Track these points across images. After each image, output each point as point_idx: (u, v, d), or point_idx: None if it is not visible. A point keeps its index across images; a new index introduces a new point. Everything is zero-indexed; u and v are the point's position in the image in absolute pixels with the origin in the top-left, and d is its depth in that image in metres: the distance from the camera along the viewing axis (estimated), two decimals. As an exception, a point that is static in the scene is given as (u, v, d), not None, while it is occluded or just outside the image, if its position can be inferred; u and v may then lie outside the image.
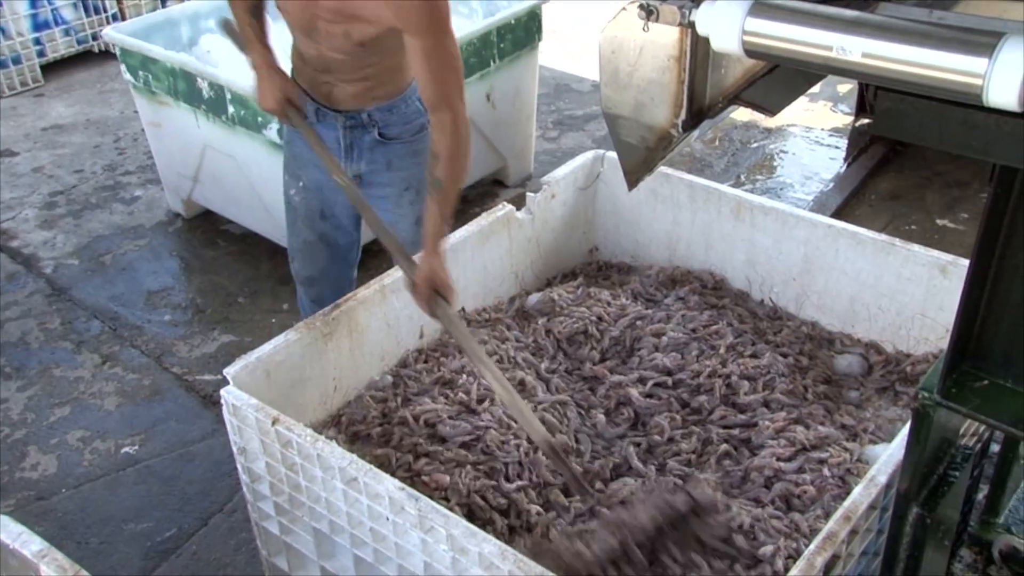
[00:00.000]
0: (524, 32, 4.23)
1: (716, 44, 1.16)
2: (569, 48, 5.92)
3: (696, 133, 1.32)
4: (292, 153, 2.86)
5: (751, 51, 1.14)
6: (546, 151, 5.00)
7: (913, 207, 4.56)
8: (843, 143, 5.13)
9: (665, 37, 1.20)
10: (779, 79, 1.28)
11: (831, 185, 4.76)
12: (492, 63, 4.14)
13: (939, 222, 4.43)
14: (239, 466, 2.30)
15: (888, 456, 1.94)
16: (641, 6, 1.18)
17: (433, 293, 2.33)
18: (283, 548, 2.32)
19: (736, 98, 1.27)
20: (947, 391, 1.48)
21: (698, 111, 1.24)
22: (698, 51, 1.20)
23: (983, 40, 0.99)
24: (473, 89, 4.12)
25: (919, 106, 1.20)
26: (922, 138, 1.21)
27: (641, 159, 1.32)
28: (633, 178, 1.38)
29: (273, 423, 2.10)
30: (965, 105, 1.15)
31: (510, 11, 4.15)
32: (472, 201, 4.51)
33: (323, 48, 2.54)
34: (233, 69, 3.75)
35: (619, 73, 1.23)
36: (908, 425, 2.00)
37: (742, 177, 4.91)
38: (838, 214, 4.38)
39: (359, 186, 2.72)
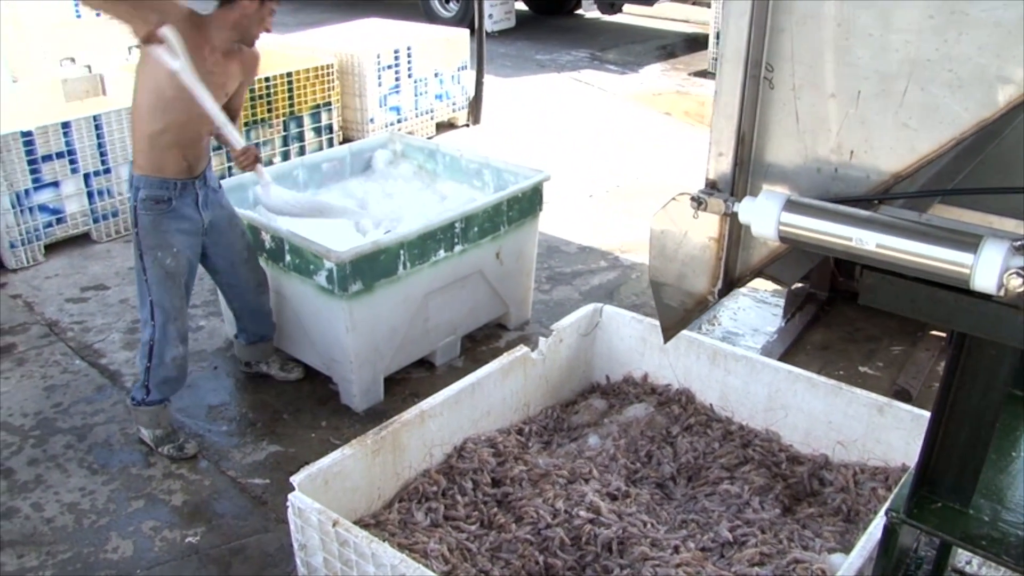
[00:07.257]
0: (528, 203, 4.38)
1: (756, 231, 1.25)
2: (560, 216, 6.09)
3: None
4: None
5: (784, 238, 1.23)
6: (540, 301, 5.09)
7: (840, 356, 4.66)
8: (782, 302, 5.27)
9: (707, 223, 1.29)
10: (791, 257, 1.37)
11: (775, 336, 4.87)
12: (502, 228, 4.27)
13: (861, 369, 4.52)
14: (298, 559, 2.28)
15: (848, 564, 1.96)
16: (693, 198, 1.28)
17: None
18: (332, 634, 2.28)
19: (759, 272, 1.36)
20: (911, 511, 1.53)
21: (730, 282, 1.33)
22: (732, 234, 1.29)
23: (968, 239, 1.09)
24: (485, 248, 4.23)
25: (896, 283, 1.28)
26: (899, 308, 1.29)
27: (679, 318, 1.40)
28: (670, 333, 1.46)
29: (333, 525, 2.10)
30: (929, 283, 1.23)
31: (518, 186, 4.30)
32: (479, 340, 4.57)
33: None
34: (291, 226, 3.85)
35: (666, 249, 1.32)
36: (865, 536, 2.05)
37: (702, 328, 5.01)
38: (781, 360, 4.47)
39: (205, 233, 3.42)
